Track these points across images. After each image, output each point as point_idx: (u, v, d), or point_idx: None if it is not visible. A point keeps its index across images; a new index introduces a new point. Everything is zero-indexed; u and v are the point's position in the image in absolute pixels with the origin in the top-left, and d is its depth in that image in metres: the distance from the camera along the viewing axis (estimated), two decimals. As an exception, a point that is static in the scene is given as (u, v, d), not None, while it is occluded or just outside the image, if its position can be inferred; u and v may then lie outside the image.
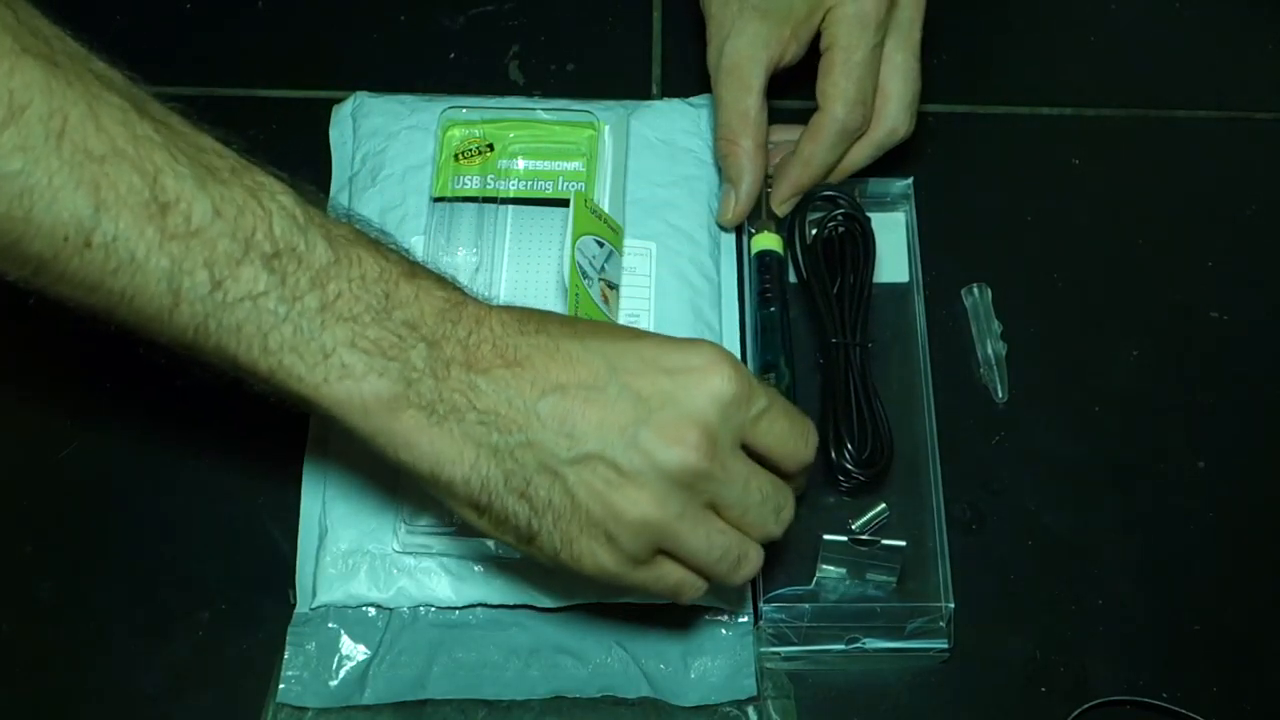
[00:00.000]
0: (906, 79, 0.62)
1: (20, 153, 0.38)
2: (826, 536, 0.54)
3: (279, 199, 0.43)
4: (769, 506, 0.48)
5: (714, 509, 0.47)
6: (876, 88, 0.62)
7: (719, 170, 0.64)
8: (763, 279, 0.62)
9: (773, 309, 0.61)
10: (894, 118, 0.62)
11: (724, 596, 0.55)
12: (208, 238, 0.41)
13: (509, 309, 0.47)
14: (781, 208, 0.63)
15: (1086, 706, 0.55)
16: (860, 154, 0.63)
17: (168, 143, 0.41)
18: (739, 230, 0.64)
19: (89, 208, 0.39)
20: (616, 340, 0.47)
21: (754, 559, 0.49)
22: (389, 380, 0.43)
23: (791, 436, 0.49)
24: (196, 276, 0.41)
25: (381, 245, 0.45)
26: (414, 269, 0.45)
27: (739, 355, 0.61)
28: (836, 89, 0.61)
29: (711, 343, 0.48)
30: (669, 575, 0.48)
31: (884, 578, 0.55)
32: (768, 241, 0.62)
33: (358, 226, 0.46)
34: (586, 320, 0.53)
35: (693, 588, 0.49)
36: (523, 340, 0.45)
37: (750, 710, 0.54)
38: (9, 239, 0.40)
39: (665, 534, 0.46)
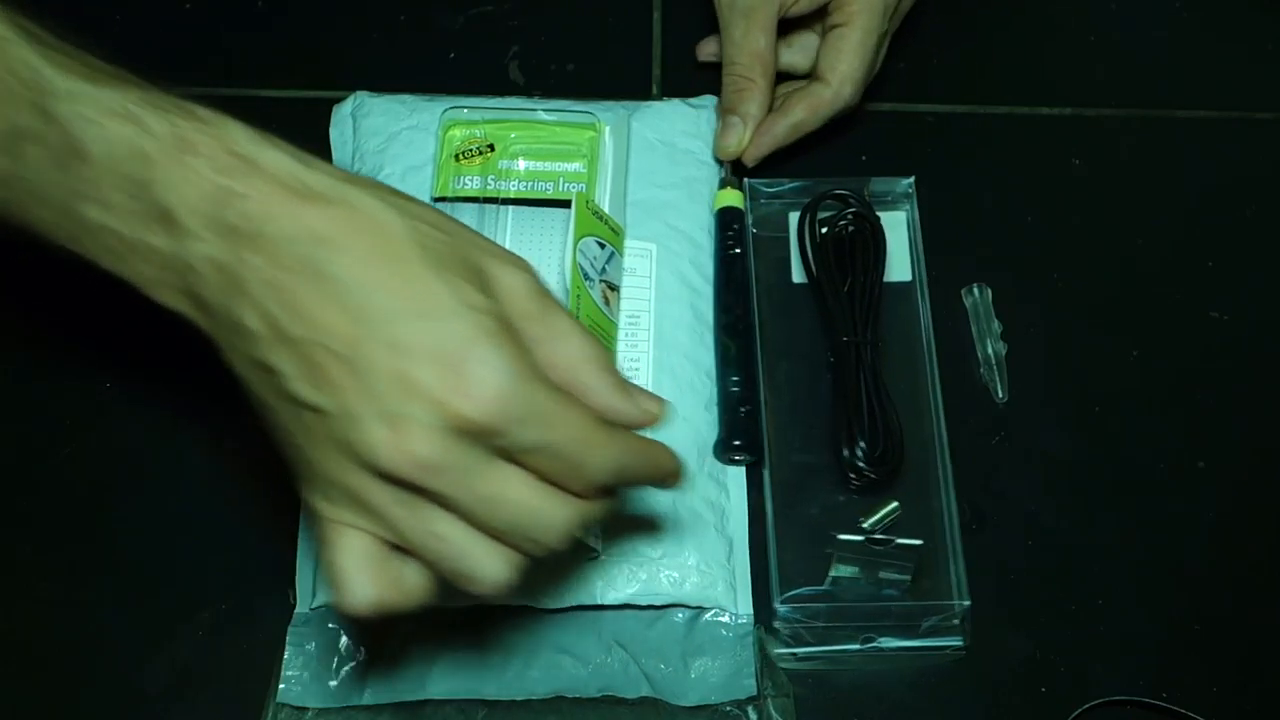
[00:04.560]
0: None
1: None
2: (841, 536, 0.54)
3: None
4: (521, 530, 0.41)
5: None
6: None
7: (719, 116, 0.66)
8: (726, 234, 0.63)
9: (736, 263, 0.62)
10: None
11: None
12: None
13: (291, 188, 0.40)
14: (753, 162, 0.65)
15: (1086, 706, 0.55)
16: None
17: None
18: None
19: None
20: (383, 286, 0.39)
21: (487, 573, 0.41)
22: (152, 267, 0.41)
23: (573, 467, 0.41)
24: None
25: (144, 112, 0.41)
26: (184, 143, 0.41)
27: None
28: (848, 68, 0.63)
29: (482, 317, 0.39)
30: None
31: (899, 576, 0.55)
32: (730, 198, 0.64)
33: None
34: (376, 221, 0.40)
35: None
36: (293, 252, 0.39)
37: (750, 710, 0.54)
38: None
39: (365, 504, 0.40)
